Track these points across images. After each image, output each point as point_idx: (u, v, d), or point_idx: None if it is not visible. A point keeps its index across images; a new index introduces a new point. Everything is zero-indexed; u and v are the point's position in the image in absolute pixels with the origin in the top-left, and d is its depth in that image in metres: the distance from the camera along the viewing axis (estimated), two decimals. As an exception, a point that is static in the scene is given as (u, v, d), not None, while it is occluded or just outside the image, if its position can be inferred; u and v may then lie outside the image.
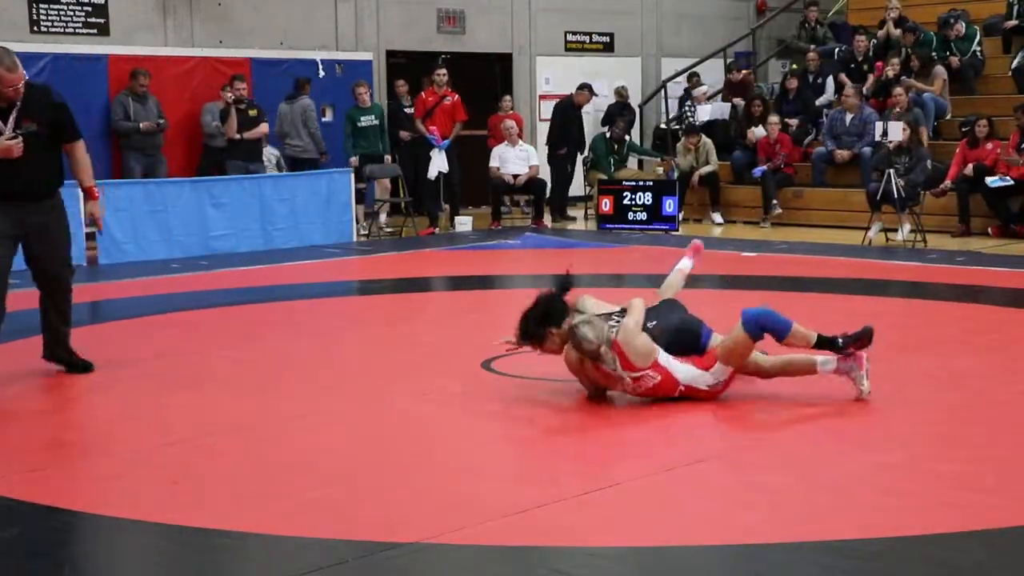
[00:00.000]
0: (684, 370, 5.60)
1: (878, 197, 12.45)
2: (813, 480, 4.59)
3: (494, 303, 9.88)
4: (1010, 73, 15.36)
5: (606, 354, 5.46)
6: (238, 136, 13.57)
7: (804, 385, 6.19)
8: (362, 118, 14.29)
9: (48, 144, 6.36)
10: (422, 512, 4.28)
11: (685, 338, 5.82)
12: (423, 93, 14.76)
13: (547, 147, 15.86)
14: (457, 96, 14.69)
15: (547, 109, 17.31)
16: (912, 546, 3.89)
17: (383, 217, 14.65)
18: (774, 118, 15.03)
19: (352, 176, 13.66)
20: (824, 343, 5.66)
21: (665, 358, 5.60)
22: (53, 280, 6.58)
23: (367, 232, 14.15)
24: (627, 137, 15.92)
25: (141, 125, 13.16)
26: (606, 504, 4.26)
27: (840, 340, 5.64)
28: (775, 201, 14.52)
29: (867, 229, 12.65)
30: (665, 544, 3.97)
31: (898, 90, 14.04)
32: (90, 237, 11.77)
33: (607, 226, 14.44)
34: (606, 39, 18.53)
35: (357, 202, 14.33)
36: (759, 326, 5.54)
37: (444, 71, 14.74)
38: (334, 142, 14.70)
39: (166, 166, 13.49)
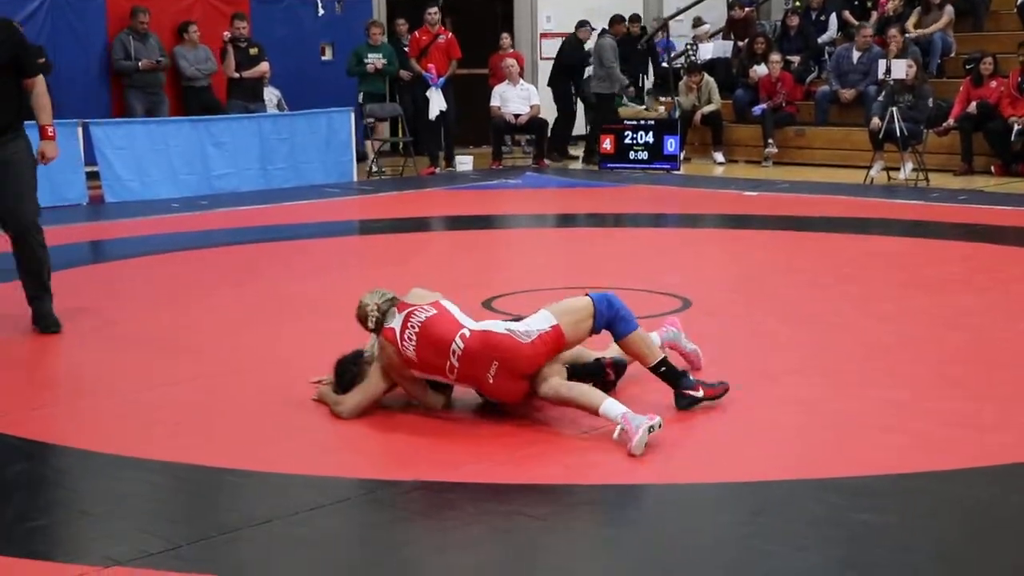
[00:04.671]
0: (480, 322, 4.62)
1: (880, 135, 12.38)
2: (813, 418, 4.59)
3: (495, 242, 9.85)
4: (1015, 10, 15.20)
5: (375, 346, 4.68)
6: (237, 75, 13.47)
7: (804, 327, 6.19)
8: (370, 55, 14.15)
9: (6, 77, 6.03)
10: (422, 451, 4.28)
11: None
12: (416, 32, 14.63)
13: (549, 87, 15.75)
14: (451, 34, 14.56)
15: (548, 47, 17.16)
16: (913, 483, 3.89)
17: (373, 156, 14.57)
18: (776, 56, 14.90)
19: (352, 115, 13.57)
20: (669, 368, 4.57)
21: (452, 305, 4.66)
22: (16, 226, 6.15)
23: (378, 171, 14.06)
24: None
25: (140, 63, 13.05)
26: (603, 445, 4.26)
27: (690, 379, 4.60)
28: (771, 140, 14.44)
29: (869, 168, 12.59)
30: (663, 482, 3.97)
31: (892, 31, 13.91)
32: (93, 176, 11.75)
33: (608, 165, 14.37)
34: (608, -24, 18.31)
35: (366, 138, 14.25)
36: (607, 301, 4.52)
37: (435, 9, 14.58)
38: (334, 82, 14.60)
39: (168, 105, 13.39)
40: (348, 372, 4.74)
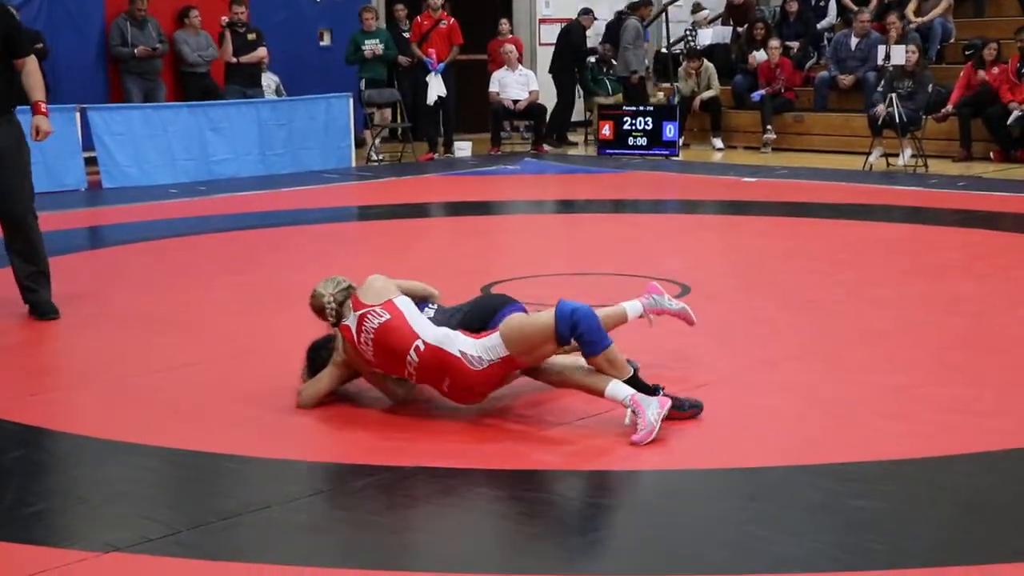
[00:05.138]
0: (436, 330, 4.42)
1: (880, 122, 12.36)
2: (811, 404, 4.59)
3: (494, 228, 9.85)
4: (1016, -4, 15.19)
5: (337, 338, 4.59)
6: (235, 60, 13.44)
7: (802, 312, 6.20)
8: (367, 42, 14.13)
9: None
10: (421, 437, 4.28)
11: (478, 314, 4.67)
12: (419, 17, 14.61)
13: (550, 73, 15.74)
14: (453, 20, 14.53)
15: (547, 33, 17.13)
16: (911, 469, 3.89)
17: (376, 142, 14.57)
18: (775, 42, 14.88)
19: (350, 101, 13.55)
20: (638, 384, 4.28)
21: (407, 304, 4.50)
22: (11, 214, 6.07)
23: (378, 158, 14.04)
24: (616, 63, 15.83)
25: (136, 50, 13.00)
26: (603, 429, 4.26)
27: (661, 389, 4.29)
28: (769, 126, 14.43)
29: (868, 154, 12.57)
30: (662, 468, 3.98)
31: (892, 17, 13.88)
32: (91, 162, 11.73)
33: (607, 151, 14.36)
34: (607, -40, 18.27)
35: (365, 127, 14.24)
36: (571, 324, 4.22)
37: None
38: (332, 68, 14.58)
39: (165, 91, 13.35)
40: (319, 358, 4.72)
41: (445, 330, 4.43)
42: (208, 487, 3.94)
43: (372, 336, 4.41)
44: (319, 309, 4.63)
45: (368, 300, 4.49)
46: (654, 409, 4.13)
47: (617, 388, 4.23)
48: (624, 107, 14.63)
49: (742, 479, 3.86)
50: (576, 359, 4.48)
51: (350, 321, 4.49)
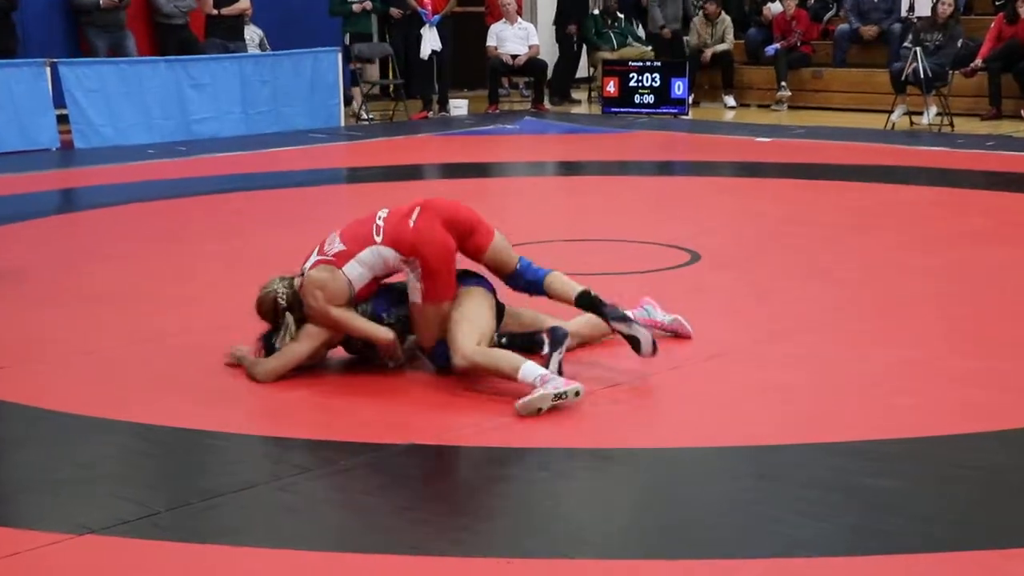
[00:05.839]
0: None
1: (903, 78, 12.32)
2: (826, 379, 4.61)
3: (491, 192, 9.85)
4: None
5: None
6: (215, 12, 13.38)
7: (817, 282, 6.21)
8: (352, -6, 14.09)
9: None
10: (412, 414, 4.30)
11: None
12: (415, -36, 14.56)
13: (554, 26, 15.69)
14: (452, -31, 14.50)
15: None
16: (926, 446, 3.92)
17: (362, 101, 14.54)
18: (791, -8, 14.83)
19: (339, 56, 13.52)
20: (597, 301, 4.61)
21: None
22: None
23: (368, 117, 14.01)
24: (621, 16, 15.75)
25: (102, 2, 12.90)
26: (611, 405, 4.29)
27: (618, 310, 4.61)
28: (784, 83, 14.39)
29: (890, 112, 12.55)
30: (671, 445, 4.00)
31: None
32: (63, 120, 11.71)
33: (612, 110, 14.33)
34: (612, -94, 18.16)
35: (353, 84, 14.20)
36: (526, 266, 4.72)
37: None
38: (319, 21, 14.53)
39: (134, 42, 13.26)
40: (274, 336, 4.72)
41: None
42: (188, 466, 3.96)
43: (338, 234, 4.68)
44: (271, 302, 4.69)
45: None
46: (554, 388, 4.19)
47: (530, 369, 4.29)
48: (631, 63, 14.59)
49: (752, 457, 3.88)
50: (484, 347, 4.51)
51: (308, 265, 4.68)
